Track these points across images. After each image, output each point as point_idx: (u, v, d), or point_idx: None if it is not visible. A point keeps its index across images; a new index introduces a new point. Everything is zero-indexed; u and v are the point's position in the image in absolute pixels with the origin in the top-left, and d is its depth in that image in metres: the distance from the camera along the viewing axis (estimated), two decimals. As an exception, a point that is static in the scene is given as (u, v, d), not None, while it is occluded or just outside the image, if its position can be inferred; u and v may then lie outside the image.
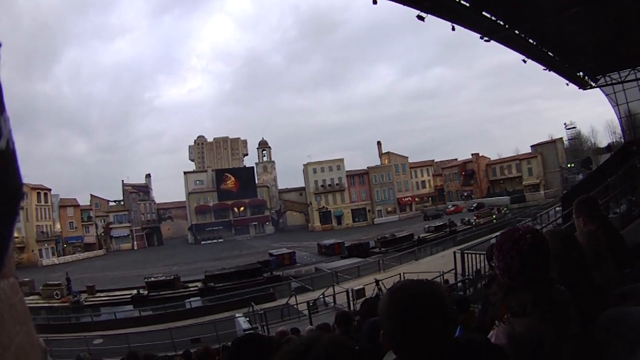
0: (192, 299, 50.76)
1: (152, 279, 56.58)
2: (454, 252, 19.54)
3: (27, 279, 62.44)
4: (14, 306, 0.76)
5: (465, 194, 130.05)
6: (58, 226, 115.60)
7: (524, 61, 29.49)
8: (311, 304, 29.56)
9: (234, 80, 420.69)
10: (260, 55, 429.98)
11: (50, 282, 59.59)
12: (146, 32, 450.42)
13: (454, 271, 19.69)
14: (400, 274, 32.17)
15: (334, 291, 32.63)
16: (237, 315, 30.88)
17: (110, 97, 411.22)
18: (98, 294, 57.30)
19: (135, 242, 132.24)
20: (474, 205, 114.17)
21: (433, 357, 2.10)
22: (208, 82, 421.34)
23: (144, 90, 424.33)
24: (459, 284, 17.77)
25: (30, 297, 57.14)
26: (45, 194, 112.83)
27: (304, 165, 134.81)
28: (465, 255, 17.52)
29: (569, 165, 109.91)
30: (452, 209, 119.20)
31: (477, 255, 16.48)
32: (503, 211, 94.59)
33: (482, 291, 12.16)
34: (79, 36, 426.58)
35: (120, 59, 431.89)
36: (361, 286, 31.48)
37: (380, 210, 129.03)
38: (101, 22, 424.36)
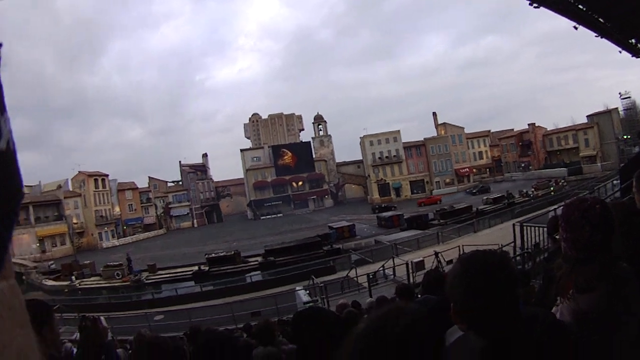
0: (252, 273, 51.48)
1: (213, 255, 57.53)
2: (513, 225, 19.01)
3: (87, 262, 64.44)
4: (14, 308, 0.75)
5: (523, 165, 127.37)
6: (117, 209, 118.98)
7: (575, 28, 28.51)
8: (371, 277, 29.37)
9: (285, 56, 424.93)
10: (309, 31, 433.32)
11: (110, 263, 61.40)
12: (191, 16, 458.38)
13: (512, 244, 19.10)
14: (459, 247, 31.53)
15: (393, 263, 32.14)
16: (297, 288, 30.84)
17: (160, 82, 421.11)
18: (159, 272, 58.63)
19: (195, 220, 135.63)
20: (476, 189, 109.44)
21: (503, 329, 2.03)
22: (258, 60, 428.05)
23: (194, 73, 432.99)
24: (518, 258, 17.25)
25: (92, 279, 59.00)
26: (103, 180, 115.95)
27: (360, 137, 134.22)
28: (525, 227, 16.99)
29: (624, 137, 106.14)
30: (424, 199, 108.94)
31: (537, 228, 15.99)
32: (561, 183, 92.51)
33: (541, 265, 11.68)
34: (123, 27, 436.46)
35: (168, 45, 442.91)
36: (420, 258, 31.07)
37: (438, 181, 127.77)
38: (144, 11, 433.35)
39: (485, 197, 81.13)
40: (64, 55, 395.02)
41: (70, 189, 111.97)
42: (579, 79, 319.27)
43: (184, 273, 56.50)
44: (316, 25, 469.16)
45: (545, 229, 13.29)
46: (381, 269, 32.59)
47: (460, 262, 2.18)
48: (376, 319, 1.71)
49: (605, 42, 32.60)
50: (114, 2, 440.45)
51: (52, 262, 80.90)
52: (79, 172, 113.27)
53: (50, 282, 63.59)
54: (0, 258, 0.73)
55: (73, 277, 60.08)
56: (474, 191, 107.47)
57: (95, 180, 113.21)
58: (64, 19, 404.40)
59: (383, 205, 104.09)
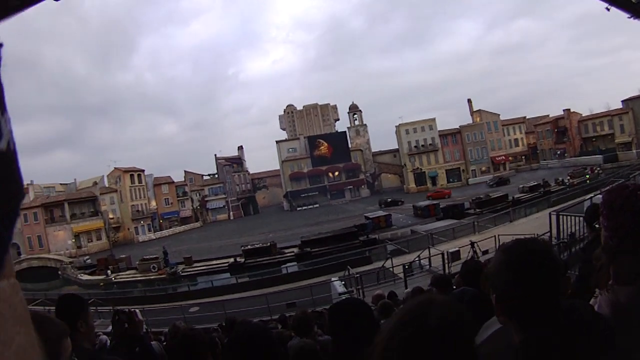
0: (288, 264, 52.00)
1: (249, 246, 57.90)
2: (550, 214, 18.60)
3: (123, 256, 65.81)
4: (14, 306, 0.75)
5: (559, 152, 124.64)
6: (153, 203, 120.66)
7: (607, 9, 27.76)
8: (407, 267, 29.29)
9: (318, 47, 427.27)
10: (341, 20, 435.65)
11: (146, 257, 62.41)
12: (221, 11, 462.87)
13: (548, 234, 18.78)
14: (495, 236, 31.36)
15: (429, 254, 32.33)
16: (332, 279, 30.76)
17: (194, 77, 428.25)
18: (195, 264, 59.28)
19: (231, 213, 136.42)
20: (494, 182, 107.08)
21: (544, 320, 1.99)
22: (291, 51, 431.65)
23: (227, 67, 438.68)
24: (555, 248, 16.97)
25: (127, 272, 60.30)
26: (139, 175, 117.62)
27: (396, 126, 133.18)
28: (560, 217, 16.80)
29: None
30: (432, 192, 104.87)
31: (572, 217, 15.81)
32: (596, 171, 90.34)
33: (578, 256, 11.56)
34: (152, 24, 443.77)
35: (199, 40, 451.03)
36: (456, 248, 30.89)
37: (474, 170, 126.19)
38: (172, 8, 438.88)
39: (521, 186, 79.49)
40: (95, 55, 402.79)
41: (106, 185, 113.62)
42: (613, 62, 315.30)
43: (220, 265, 57.01)
44: (348, 13, 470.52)
45: (580, 218, 13.14)
46: (417, 259, 32.61)
47: (503, 251, 2.15)
48: (407, 311, 1.68)
49: (638, 24, 31.81)
50: (141, 1, 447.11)
51: (87, 257, 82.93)
52: (115, 168, 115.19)
53: (85, 277, 65.04)
54: (0, 258, 0.72)
55: (109, 271, 61.15)
56: (491, 183, 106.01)
57: (131, 175, 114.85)
58: (93, 21, 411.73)
59: (389, 200, 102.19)
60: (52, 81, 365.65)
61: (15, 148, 0.72)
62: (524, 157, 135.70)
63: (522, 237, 2.35)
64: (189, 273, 56.44)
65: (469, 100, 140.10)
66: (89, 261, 76.57)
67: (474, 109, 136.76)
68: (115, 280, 58.92)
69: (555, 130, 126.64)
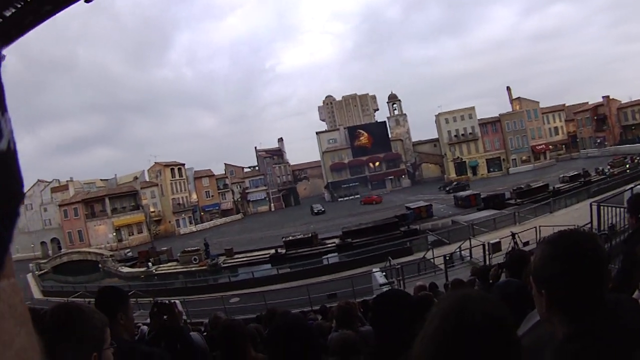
0: (329, 255, 52.01)
1: (290, 237, 58.12)
2: (590, 204, 18.24)
3: (165, 248, 67.17)
4: (15, 307, 0.75)
5: (599, 140, 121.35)
6: (194, 196, 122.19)
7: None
8: (447, 258, 29.02)
9: (355, 37, 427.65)
10: (377, 9, 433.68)
11: (188, 249, 63.02)
12: (256, 4, 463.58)
13: (589, 225, 18.41)
14: (536, 227, 30.94)
15: (470, 244, 32.09)
16: (373, 270, 30.66)
17: (231, 71, 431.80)
18: (236, 256, 59.68)
19: (272, 204, 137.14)
20: (451, 187, 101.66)
21: (590, 311, 1.93)
22: (329, 42, 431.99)
23: (264, 60, 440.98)
24: (597, 239, 16.52)
25: (169, 264, 61.49)
26: (180, 169, 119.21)
27: (435, 115, 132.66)
28: (601, 207, 16.43)
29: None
30: (367, 195, 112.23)
31: (613, 208, 15.40)
32: (637, 160, 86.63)
33: (619, 248, 11.30)
34: (187, 20, 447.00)
35: (235, 35, 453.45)
36: (497, 239, 30.55)
37: (515, 159, 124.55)
38: (207, 3, 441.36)
39: (561, 176, 77.88)
40: (131, 53, 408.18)
41: (147, 180, 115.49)
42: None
43: (261, 256, 57.31)
44: (384, 2, 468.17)
45: (621, 209, 12.88)
46: (458, 250, 32.45)
47: (548, 243, 2.08)
48: (445, 308, 1.66)
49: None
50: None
51: (128, 250, 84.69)
52: (155, 162, 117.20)
53: (126, 269, 66.19)
54: (1, 258, 0.71)
55: (150, 264, 62.08)
56: (448, 189, 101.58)
57: (172, 169, 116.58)
58: (127, 19, 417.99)
59: (317, 211, 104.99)
60: (89, 80, 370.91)
61: (15, 148, 0.71)
62: (564, 145, 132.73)
63: (564, 228, 2.29)
64: (230, 264, 56.78)
65: (508, 88, 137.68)
66: (129, 254, 78.20)
67: (514, 97, 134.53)
68: (156, 272, 59.89)
69: (595, 118, 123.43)
